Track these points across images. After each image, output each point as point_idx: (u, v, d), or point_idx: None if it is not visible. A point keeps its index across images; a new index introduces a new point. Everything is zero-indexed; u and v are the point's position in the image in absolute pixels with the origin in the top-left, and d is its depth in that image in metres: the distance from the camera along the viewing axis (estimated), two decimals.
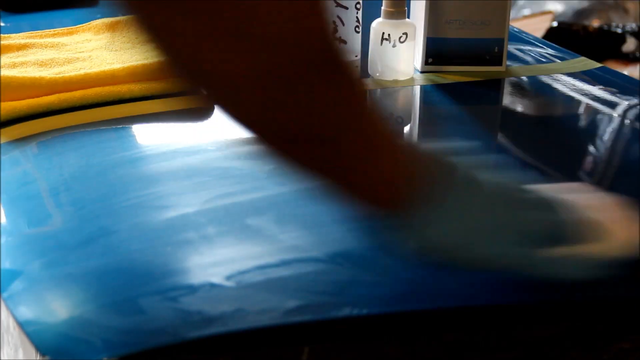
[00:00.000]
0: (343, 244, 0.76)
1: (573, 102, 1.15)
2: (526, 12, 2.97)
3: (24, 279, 0.71)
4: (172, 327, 0.64)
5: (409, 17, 1.15)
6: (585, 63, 1.27)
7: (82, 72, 1.05)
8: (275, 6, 0.51)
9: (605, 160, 0.97)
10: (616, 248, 0.63)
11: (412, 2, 1.20)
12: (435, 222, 0.60)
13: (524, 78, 1.20)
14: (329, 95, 0.57)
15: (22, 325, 0.66)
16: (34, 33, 1.27)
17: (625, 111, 1.12)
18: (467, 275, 0.72)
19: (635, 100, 1.14)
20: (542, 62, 1.29)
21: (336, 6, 1.08)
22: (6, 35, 1.26)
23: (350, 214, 0.82)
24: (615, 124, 1.07)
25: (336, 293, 0.68)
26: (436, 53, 1.18)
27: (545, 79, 1.20)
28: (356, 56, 1.12)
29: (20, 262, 0.73)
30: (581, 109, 1.14)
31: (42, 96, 1.01)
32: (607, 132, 1.04)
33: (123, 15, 1.30)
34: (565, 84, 1.19)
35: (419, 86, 1.15)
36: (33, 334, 0.64)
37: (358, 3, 1.09)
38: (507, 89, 1.18)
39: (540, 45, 1.40)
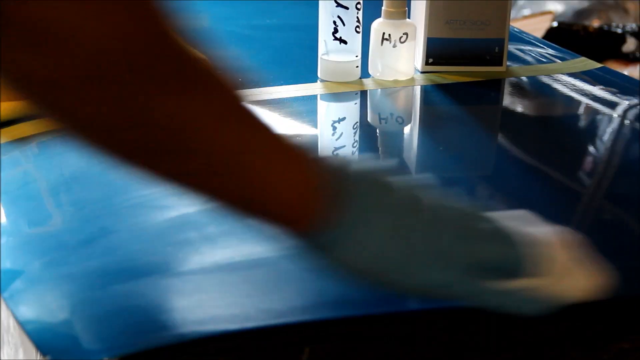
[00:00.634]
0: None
1: (573, 102, 1.15)
2: (526, 12, 2.97)
3: (24, 279, 0.71)
4: (172, 327, 0.64)
5: (409, 17, 1.15)
6: (586, 63, 1.27)
7: None
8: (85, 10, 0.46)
9: (605, 160, 0.97)
10: (573, 289, 0.61)
11: (412, 2, 1.21)
12: (346, 244, 0.56)
13: (524, 78, 1.20)
14: (193, 105, 0.52)
15: (23, 324, 0.66)
16: None
17: (625, 111, 1.12)
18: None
19: (635, 101, 1.14)
20: (543, 63, 1.29)
21: (337, 6, 1.08)
22: None
23: None
24: (615, 124, 1.07)
25: (336, 293, 0.68)
26: (436, 53, 1.18)
27: (545, 79, 1.20)
28: (357, 56, 1.12)
29: (21, 262, 0.74)
30: (581, 109, 1.14)
31: None
32: (607, 132, 1.04)
33: None
34: (565, 84, 1.19)
35: (419, 86, 1.15)
36: (33, 333, 0.64)
37: (359, 3, 1.09)
38: (507, 89, 1.18)
39: (541, 45, 1.40)
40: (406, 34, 1.12)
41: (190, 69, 0.54)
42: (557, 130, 1.08)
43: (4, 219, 0.80)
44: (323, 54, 1.13)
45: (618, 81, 1.23)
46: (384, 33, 1.12)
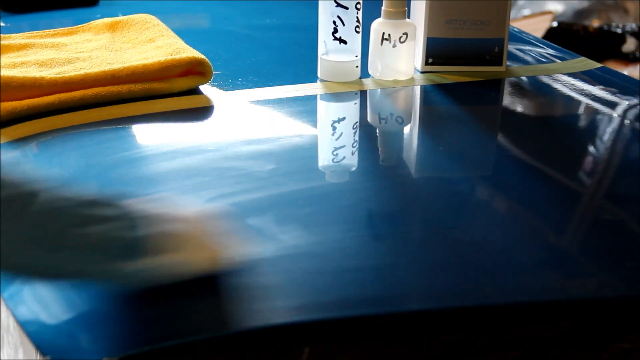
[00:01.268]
0: (343, 244, 0.76)
1: (573, 102, 1.15)
2: (526, 12, 2.97)
3: (24, 279, 0.71)
4: (172, 328, 0.64)
5: (409, 17, 1.15)
6: (586, 63, 1.27)
7: (82, 72, 1.05)
8: None
9: (605, 160, 0.97)
10: (198, 262, 0.63)
11: (412, 2, 1.21)
12: None
13: (524, 78, 1.20)
14: None
15: (23, 325, 0.66)
16: (34, 33, 1.27)
17: (625, 111, 1.12)
18: (467, 275, 0.72)
19: (635, 101, 1.14)
20: (542, 62, 1.29)
21: (336, 6, 1.08)
22: (6, 35, 1.26)
23: (351, 215, 0.83)
24: (615, 124, 1.07)
25: (336, 293, 0.68)
26: (436, 53, 1.18)
27: (545, 79, 1.20)
28: (356, 56, 1.12)
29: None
30: (581, 109, 1.14)
31: (42, 96, 1.01)
32: (607, 132, 1.05)
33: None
34: (565, 84, 1.19)
35: (419, 86, 1.15)
36: (33, 333, 0.65)
37: (358, 3, 1.09)
38: (507, 89, 1.18)
39: (541, 45, 1.40)
40: (406, 33, 1.12)
41: None
42: (557, 130, 1.08)
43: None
44: (323, 54, 1.13)
45: (618, 81, 1.23)
46: (383, 33, 1.12)
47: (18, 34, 1.27)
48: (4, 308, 0.68)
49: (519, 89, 1.18)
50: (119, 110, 1.03)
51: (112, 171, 0.90)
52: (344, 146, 0.99)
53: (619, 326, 0.69)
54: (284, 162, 0.93)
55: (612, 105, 1.13)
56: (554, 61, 1.30)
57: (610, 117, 1.09)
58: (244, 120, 1.05)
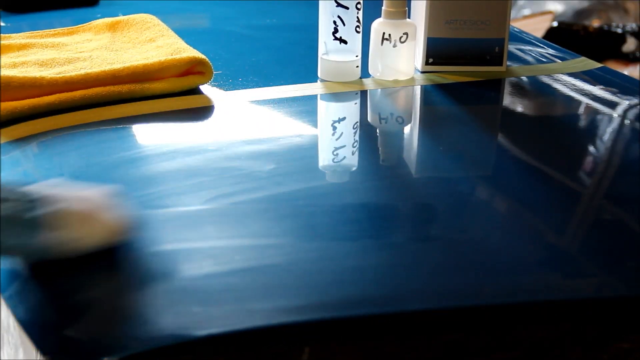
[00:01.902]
0: (343, 244, 0.76)
1: (573, 102, 1.15)
2: (526, 12, 2.97)
3: (24, 279, 0.71)
4: (172, 328, 0.64)
5: (409, 17, 1.15)
6: (586, 63, 1.27)
7: (82, 72, 1.05)
8: None
9: (605, 160, 0.97)
10: (93, 234, 0.70)
11: (412, 2, 1.21)
12: None
13: (524, 78, 1.20)
14: None
15: (23, 325, 0.66)
16: (35, 33, 1.27)
17: (625, 111, 1.12)
18: (467, 275, 0.72)
19: (635, 100, 1.14)
20: (543, 62, 1.29)
21: (337, 6, 1.08)
22: (6, 35, 1.26)
23: (351, 215, 0.83)
24: (615, 124, 1.07)
25: (336, 293, 0.68)
26: (437, 53, 1.18)
27: (545, 79, 1.20)
28: (357, 56, 1.12)
29: (21, 262, 0.73)
30: (581, 109, 1.14)
31: (42, 96, 1.01)
32: (607, 132, 1.05)
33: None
34: (565, 84, 1.19)
35: (419, 86, 1.15)
36: (33, 333, 0.65)
37: (359, 3, 1.09)
38: (507, 89, 1.18)
39: (541, 45, 1.40)
40: (406, 33, 1.12)
41: None
42: (557, 130, 1.08)
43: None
44: (323, 54, 1.13)
45: (618, 81, 1.23)
46: (384, 33, 1.12)
47: (18, 34, 1.27)
48: (4, 308, 0.68)
49: (519, 89, 1.18)
50: (119, 110, 1.03)
51: (112, 171, 0.90)
52: (344, 146, 0.99)
53: (619, 326, 0.69)
54: (284, 162, 0.93)
55: (613, 105, 1.13)
56: (554, 61, 1.30)
57: (611, 117, 1.09)
58: (244, 120, 1.05)
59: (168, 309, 0.66)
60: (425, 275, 0.72)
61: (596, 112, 1.12)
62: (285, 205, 0.84)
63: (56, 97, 1.02)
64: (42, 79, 1.02)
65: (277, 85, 1.14)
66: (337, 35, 1.10)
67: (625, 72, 1.84)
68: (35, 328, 0.65)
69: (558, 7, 2.96)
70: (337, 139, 1.02)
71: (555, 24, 2.88)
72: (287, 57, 1.31)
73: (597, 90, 1.17)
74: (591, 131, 1.08)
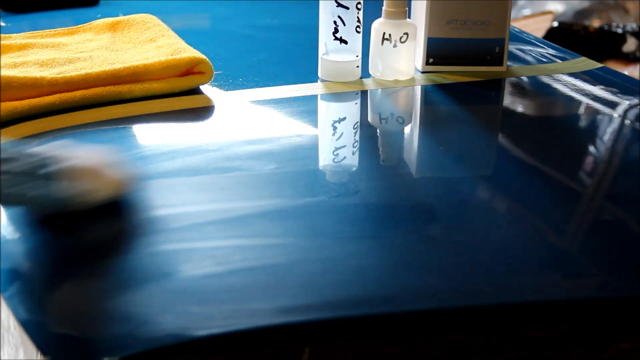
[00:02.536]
0: (344, 244, 0.76)
1: (574, 102, 1.15)
2: (527, 12, 2.97)
3: (25, 279, 0.71)
4: (172, 328, 0.64)
5: (409, 17, 1.15)
6: (586, 63, 1.27)
7: (83, 72, 1.05)
8: None
9: (605, 160, 0.97)
10: (100, 187, 0.77)
11: (412, 2, 1.21)
12: None
13: (525, 78, 1.20)
14: None
15: (23, 324, 0.66)
16: (35, 33, 1.28)
17: (626, 111, 1.12)
18: (467, 275, 0.72)
19: (635, 100, 1.14)
20: (543, 62, 1.29)
21: (337, 6, 1.08)
22: (7, 35, 1.26)
23: (352, 215, 0.83)
24: (615, 124, 1.07)
25: (336, 293, 0.68)
26: (437, 53, 1.18)
27: (545, 79, 1.20)
28: (357, 56, 1.12)
29: (21, 262, 0.74)
30: (582, 109, 1.14)
31: (42, 96, 1.01)
32: (607, 132, 1.05)
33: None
34: (565, 84, 1.19)
35: (419, 86, 1.15)
36: (34, 333, 0.65)
37: (359, 3, 1.09)
38: (507, 89, 1.18)
39: (541, 45, 1.40)
40: (407, 33, 1.12)
41: None
42: (557, 130, 1.08)
43: (3, 219, 0.80)
44: (323, 54, 1.13)
45: (618, 81, 1.23)
46: (384, 33, 1.12)
47: (18, 34, 1.27)
48: (4, 308, 0.68)
49: (520, 89, 1.18)
50: (119, 110, 1.03)
51: None
52: (344, 146, 0.99)
53: (619, 326, 0.69)
54: (284, 162, 0.93)
55: (613, 105, 1.13)
56: (554, 61, 1.30)
57: (611, 117, 1.09)
58: (244, 120, 1.05)
59: (168, 309, 0.66)
60: (426, 275, 0.72)
61: (596, 112, 1.12)
62: (286, 205, 0.84)
63: (56, 97, 1.02)
64: (42, 79, 1.02)
65: (277, 85, 1.14)
66: (338, 35, 1.10)
67: (626, 72, 1.84)
68: (35, 328, 0.65)
69: (558, 7, 2.96)
70: (337, 139, 1.02)
71: (555, 24, 2.88)
72: (287, 57, 1.31)
73: (598, 90, 1.17)
74: (591, 131, 1.08)
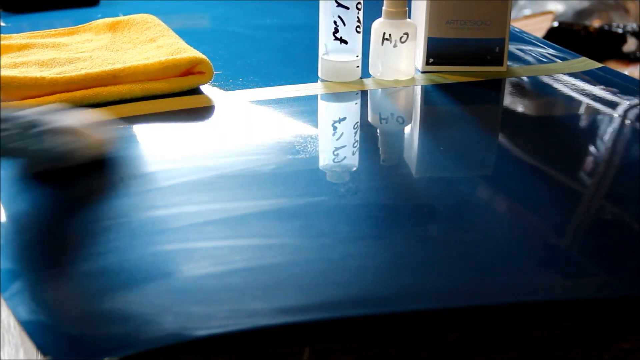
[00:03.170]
0: (344, 244, 0.76)
1: (574, 102, 1.15)
2: (527, 12, 2.97)
3: (25, 279, 0.71)
4: (172, 328, 0.64)
5: (409, 17, 1.15)
6: (586, 63, 1.27)
7: (83, 72, 1.05)
8: None
9: (605, 160, 0.97)
10: (87, 144, 0.86)
11: (413, 2, 1.21)
12: None
13: (525, 78, 1.20)
14: None
15: (23, 324, 0.66)
16: (35, 33, 1.28)
17: (626, 111, 1.12)
18: (467, 275, 0.72)
19: (635, 100, 1.14)
20: (543, 62, 1.29)
21: (337, 6, 1.08)
22: (7, 35, 1.26)
23: (352, 215, 0.83)
24: (615, 124, 1.07)
25: (336, 293, 0.69)
26: (437, 53, 1.18)
27: (546, 79, 1.20)
28: (357, 56, 1.12)
29: (21, 262, 0.74)
30: (582, 109, 1.14)
31: (43, 96, 1.02)
32: (607, 132, 1.05)
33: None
34: (566, 84, 1.19)
35: (420, 86, 1.15)
36: (34, 333, 0.65)
37: (359, 3, 1.09)
38: (508, 89, 1.18)
39: (541, 45, 1.40)
40: (407, 33, 1.12)
41: None
42: (557, 130, 1.08)
43: (3, 219, 0.80)
44: (323, 54, 1.13)
45: (618, 81, 1.23)
46: (384, 33, 1.12)
47: (19, 34, 1.27)
48: (4, 308, 0.68)
49: (520, 89, 1.18)
50: (119, 110, 1.03)
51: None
52: (344, 146, 0.99)
53: (619, 326, 0.69)
54: (284, 162, 0.93)
55: (613, 105, 1.13)
56: (554, 61, 1.30)
57: (611, 117, 1.09)
58: (244, 120, 1.05)
59: (168, 309, 0.66)
60: (426, 275, 0.72)
61: (597, 112, 1.12)
62: (286, 206, 0.84)
63: (56, 97, 1.02)
64: (42, 79, 1.02)
65: (277, 85, 1.14)
66: (338, 35, 1.10)
67: (626, 72, 1.84)
68: (35, 328, 0.65)
69: (559, 7, 2.96)
70: (337, 139, 1.02)
71: (555, 24, 2.88)
72: (287, 57, 1.31)
73: (598, 90, 1.18)
74: (592, 131, 1.08)
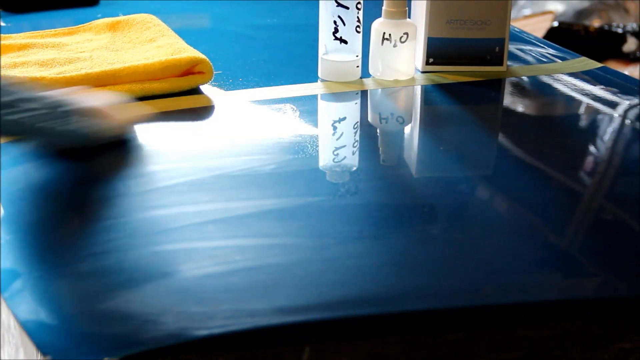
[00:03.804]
0: (344, 244, 0.76)
1: (574, 102, 1.15)
2: (527, 12, 2.97)
3: (25, 279, 0.71)
4: (172, 328, 0.64)
5: (409, 17, 1.15)
6: (586, 63, 1.27)
7: (83, 72, 1.05)
8: None
9: (605, 160, 0.97)
10: (109, 124, 0.91)
11: (412, 2, 1.21)
12: None
13: (525, 78, 1.20)
14: None
15: (23, 324, 0.66)
16: (35, 33, 1.28)
17: (626, 111, 1.12)
18: (467, 275, 0.72)
19: (635, 100, 1.14)
20: (543, 62, 1.29)
21: (337, 6, 1.08)
22: (7, 35, 1.26)
23: (352, 215, 0.83)
24: (615, 124, 1.07)
25: (336, 293, 0.69)
26: (437, 53, 1.18)
27: (546, 79, 1.20)
28: (357, 56, 1.12)
29: (21, 262, 0.74)
30: (582, 109, 1.14)
31: None
32: (607, 132, 1.05)
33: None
34: (566, 84, 1.19)
35: (419, 86, 1.15)
36: (34, 333, 0.65)
37: (359, 3, 1.09)
38: (507, 89, 1.18)
39: (541, 45, 1.40)
40: (407, 33, 1.12)
41: None
42: (557, 130, 1.08)
43: (4, 219, 0.80)
44: (323, 54, 1.13)
45: (618, 81, 1.23)
46: (384, 33, 1.12)
47: (18, 34, 1.27)
48: (4, 308, 0.68)
49: (520, 89, 1.18)
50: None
51: (111, 171, 0.90)
52: (344, 146, 0.99)
53: (619, 326, 0.69)
54: (284, 162, 0.93)
55: (613, 105, 1.13)
56: (554, 61, 1.30)
57: (611, 117, 1.09)
58: (244, 120, 1.05)
59: (168, 309, 0.66)
60: (426, 275, 0.72)
61: (596, 112, 1.12)
62: (286, 205, 0.84)
63: None
64: (42, 79, 1.02)
65: (277, 85, 1.14)
66: (338, 35, 1.10)
67: (626, 72, 1.84)
68: (35, 328, 0.65)
69: (558, 7, 2.96)
70: (337, 139, 1.02)
71: (555, 24, 2.88)
72: (287, 57, 1.31)
73: (598, 90, 1.18)
74: (591, 131, 1.08)
